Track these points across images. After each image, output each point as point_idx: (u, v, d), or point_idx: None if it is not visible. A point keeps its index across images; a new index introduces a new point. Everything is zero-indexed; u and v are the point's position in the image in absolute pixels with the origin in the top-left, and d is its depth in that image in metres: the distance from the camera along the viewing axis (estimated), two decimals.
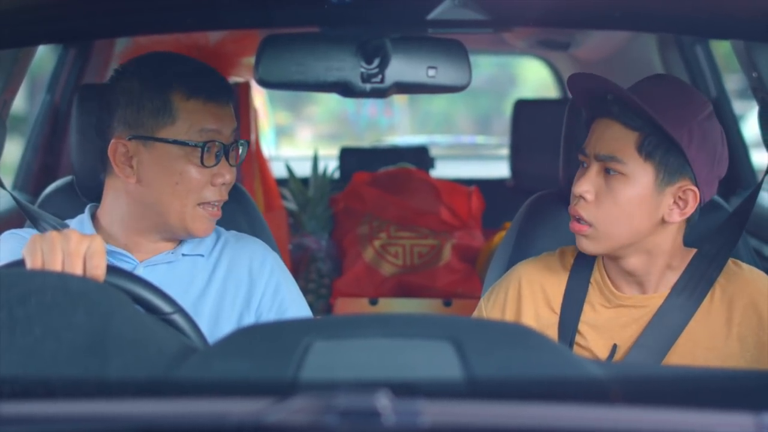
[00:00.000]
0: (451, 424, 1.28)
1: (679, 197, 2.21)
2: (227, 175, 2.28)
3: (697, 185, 2.19)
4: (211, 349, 1.60)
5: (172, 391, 1.43)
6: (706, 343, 2.26)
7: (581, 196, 2.22)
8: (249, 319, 2.35)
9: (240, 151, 2.34)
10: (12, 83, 2.55)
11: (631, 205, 2.19)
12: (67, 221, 2.37)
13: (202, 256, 2.38)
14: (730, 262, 2.33)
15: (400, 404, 1.25)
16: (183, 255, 2.36)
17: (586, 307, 2.33)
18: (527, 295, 2.37)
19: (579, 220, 2.24)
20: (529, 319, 2.35)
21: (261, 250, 2.42)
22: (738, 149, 3.94)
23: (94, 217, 2.37)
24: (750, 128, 4.07)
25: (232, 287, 2.36)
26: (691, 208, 2.22)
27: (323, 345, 1.40)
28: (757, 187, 2.45)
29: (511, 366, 1.42)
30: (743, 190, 3.85)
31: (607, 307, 2.32)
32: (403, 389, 1.28)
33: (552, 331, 2.33)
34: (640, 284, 2.30)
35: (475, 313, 2.48)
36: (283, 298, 2.38)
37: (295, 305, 2.39)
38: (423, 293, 4.10)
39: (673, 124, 2.15)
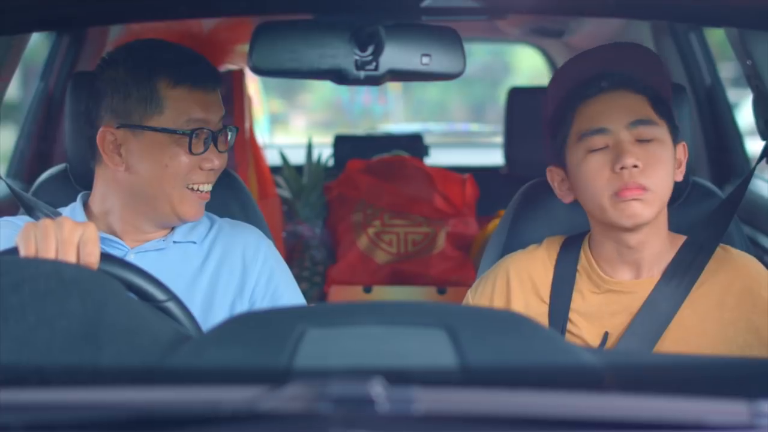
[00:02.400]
0: (445, 411, 1.28)
1: (677, 157, 2.28)
2: (216, 161, 2.29)
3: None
4: (205, 337, 1.60)
5: (165, 378, 1.43)
6: (698, 328, 2.26)
7: (634, 166, 2.19)
8: (242, 307, 2.35)
9: (229, 137, 2.34)
10: (5, 71, 2.54)
11: (669, 165, 2.23)
12: (60, 209, 2.37)
13: (194, 243, 2.38)
14: (720, 247, 2.33)
15: (394, 392, 1.25)
16: (174, 242, 2.36)
17: (576, 296, 2.33)
18: (516, 286, 2.37)
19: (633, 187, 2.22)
20: (519, 309, 2.35)
21: (255, 238, 2.42)
22: (732, 137, 3.94)
23: (86, 205, 2.37)
24: (744, 116, 4.07)
25: (225, 274, 2.36)
26: (684, 165, 2.30)
27: (317, 333, 1.40)
28: (749, 175, 2.45)
29: (505, 353, 1.42)
30: (737, 177, 3.85)
31: (596, 293, 2.32)
32: (397, 377, 1.28)
33: (542, 321, 2.33)
34: (635, 264, 2.30)
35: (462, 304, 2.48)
36: (277, 286, 2.38)
37: (288, 293, 2.40)
38: (417, 281, 4.11)
39: (668, 81, 2.27)
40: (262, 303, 2.36)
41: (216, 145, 2.29)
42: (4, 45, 2.52)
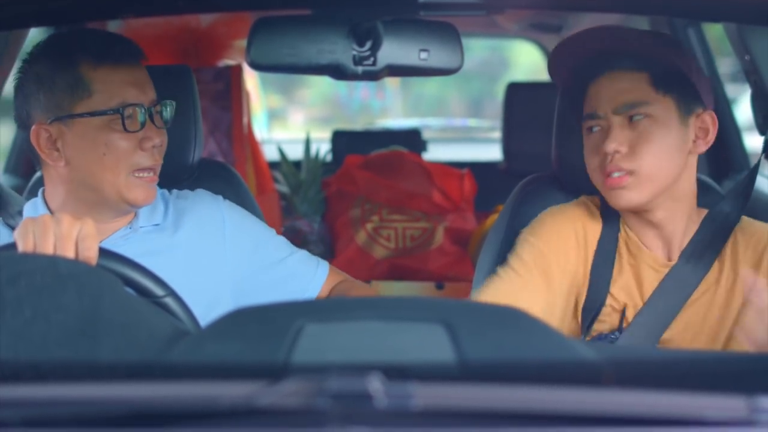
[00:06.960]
0: (444, 406, 1.28)
1: (699, 127, 2.26)
2: (156, 138, 2.24)
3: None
4: (203, 332, 1.59)
5: (163, 373, 1.42)
6: (720, 302, 2.27)
7: (616, 151, 2.21)
8: (223, 277, 2.34)
9: (168, 111, 2.29)
10: (3, 66, 2.54)
11: (666, 144, 2.22)
12: (25, 205, 2.34)
13: (158, 224, 2.36)
14: (744, 218, 2.34)
15: (392, 387, 1.25)
16: (141, 227, 2.33)
17: (615, 265, 2.33)
18: (576, 234, 2.37)
19: (617, 173, 2.22)
20: (572, 258, 2.34)
21: (209, 203, 2.41)
22: (731, 132, 3.94)
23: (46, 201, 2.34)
24: (742, 112, 4.07)
25: (196, 248, 2.34)
26: (713, 134, 2.27)
27: (315, 328, 1.40)
28: (757, 164, 2.44)
29: (503, 349, 1.42)
30: (735, 173, 3.86)
31: (632, 264, 2.32)
32: (395, 372, 1.28)
33: (579, 276, 2.33)
34: (665, 241, 2.31)
35: (520, 237, 2.43)
36: (252, 237, 2.40)
37: (265, 237, 2.42)
38: (415, 276, 4.10)
39: (676, 53, 2.24)
40: (244, 257, 2.36)
41: (153, 121, 2.25)
42: (1, 40, 2.52)
